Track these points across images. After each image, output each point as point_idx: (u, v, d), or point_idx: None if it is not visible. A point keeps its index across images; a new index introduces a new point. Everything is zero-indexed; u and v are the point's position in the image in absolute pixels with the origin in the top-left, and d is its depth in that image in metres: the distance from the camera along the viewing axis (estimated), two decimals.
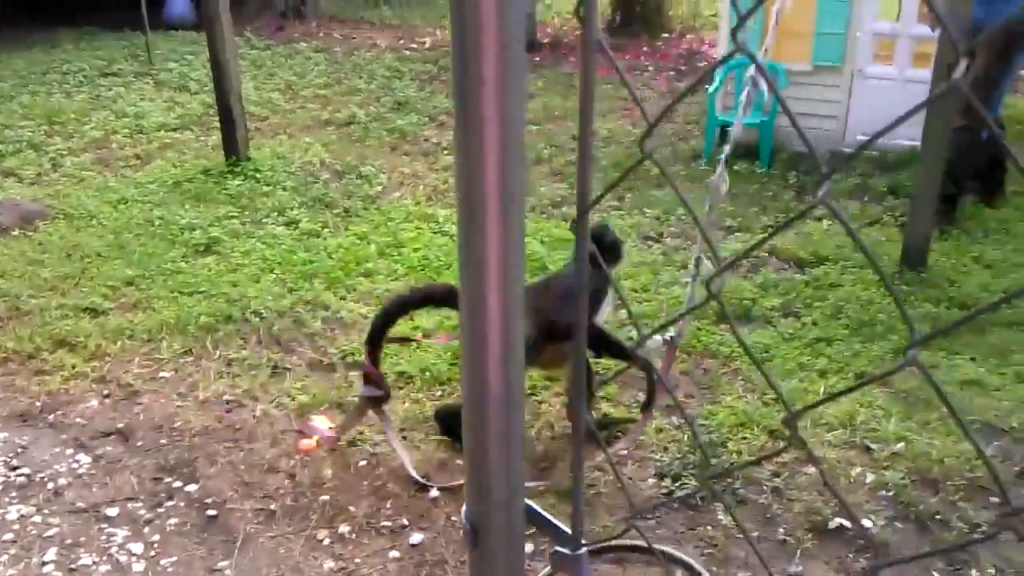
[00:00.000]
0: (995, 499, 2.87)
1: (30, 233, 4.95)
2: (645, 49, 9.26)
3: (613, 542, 2.60)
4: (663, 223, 5.08)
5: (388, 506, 2.86)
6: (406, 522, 2.80)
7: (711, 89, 6.09)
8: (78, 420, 3.33)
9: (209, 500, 2.90)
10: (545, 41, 9.65)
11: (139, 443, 3.20)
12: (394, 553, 2.68)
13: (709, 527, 2.77)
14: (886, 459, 3.03)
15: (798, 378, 3.50)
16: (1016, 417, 3.25)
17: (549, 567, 2.50)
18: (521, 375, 0.95)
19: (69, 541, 2.74)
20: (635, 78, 8.34)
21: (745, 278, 4.39)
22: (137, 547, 2.71)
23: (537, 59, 9.02)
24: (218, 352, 3.74)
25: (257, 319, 3.97)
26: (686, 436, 3.17)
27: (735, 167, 5.77)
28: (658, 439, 3.18)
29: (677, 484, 2.96)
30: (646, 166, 5.71)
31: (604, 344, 3.11)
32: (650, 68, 8.68)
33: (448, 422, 3.15)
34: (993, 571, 2.59)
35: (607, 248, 3.15)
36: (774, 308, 4.05)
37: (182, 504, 2.89)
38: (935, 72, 4.24)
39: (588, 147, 0.92)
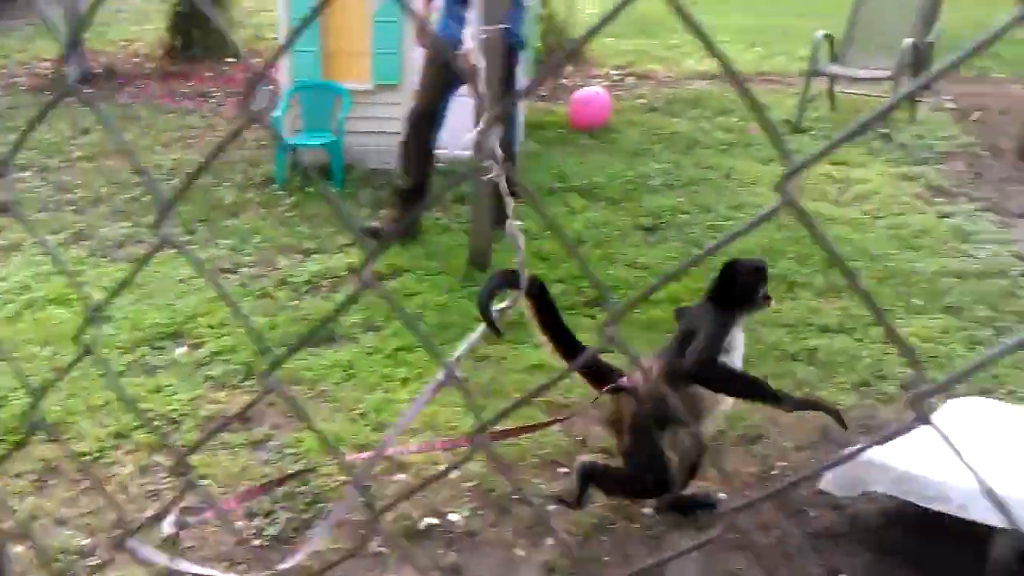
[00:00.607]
0: (564, 469, 3.14)
1: None
2: (209, 74, 8.95)
3: None
4: (238, 252, 4.92)
5: None
6: None
7: (277, 113, 6.02)
8: None
9: None
10: (98, 71, 8.93)
11: None
12: None
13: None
14: (466, 452, 3.18)
15: (382, 389, 3.56)
16: (576, 393, 3.59)
17: None
18: None
19: None
20: (202, 104, 8.02)
21: (326, 299, 4.40)
22: None
23: (91, 91, 8.31)
24: None
25: None
26: (274, 469, 3.08)
27: (307, 189, 5.76)
28: (249, 476, 3.05)
29: (268, 519, 2.86)
30: (219, 193, 5.43)
31: (739, 385, 2.72)
32: (217, 93, 8.40)
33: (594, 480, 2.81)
34: (567, 535, 2.82)
35: (738, 287, 2.71)
36: (356, 324, 4.09)
37: None
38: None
39: None
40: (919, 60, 6.78)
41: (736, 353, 2.73)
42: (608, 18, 0.61)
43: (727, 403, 2.79)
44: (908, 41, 6.64)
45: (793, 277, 4.62)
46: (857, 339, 3.96)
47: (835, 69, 7.19)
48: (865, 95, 7.50)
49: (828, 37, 7.25)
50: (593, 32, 0.66)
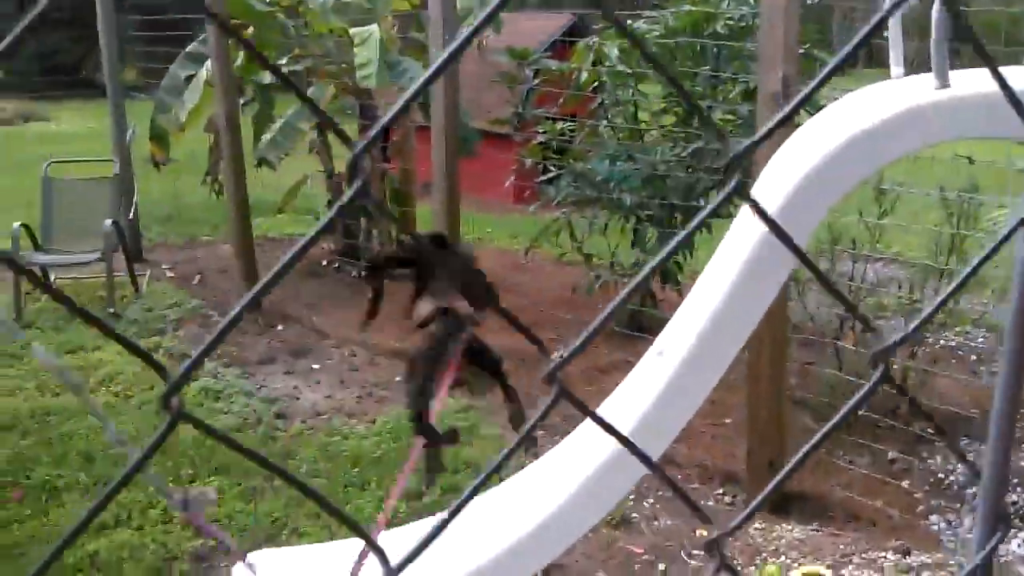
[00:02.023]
0: None
1: None
2: None
3: None
4: None
5: None
6: None
7: None
8: None
9: None
10: None
11: None
12: None
13: None
14: None
15: None
16: None
17: None
18: None
19: None
20: None
21: None
22: None
23: None
24: None
25: None
26: None
27: None
28: None
29: None
30: None
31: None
32: None
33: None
34: None
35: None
36: None
37: None
38: None
39: None
40: (124, 237, 6.97)
41: None
42: None
43: None
44: (108, 222, 6.74)
45: (55, 483, 4.21)
46: (137, 527, 3.76)
47: (43, 258, 6.91)
48: (81, 278, 7.36)
49: (26, 227, 6.93)
50: None
